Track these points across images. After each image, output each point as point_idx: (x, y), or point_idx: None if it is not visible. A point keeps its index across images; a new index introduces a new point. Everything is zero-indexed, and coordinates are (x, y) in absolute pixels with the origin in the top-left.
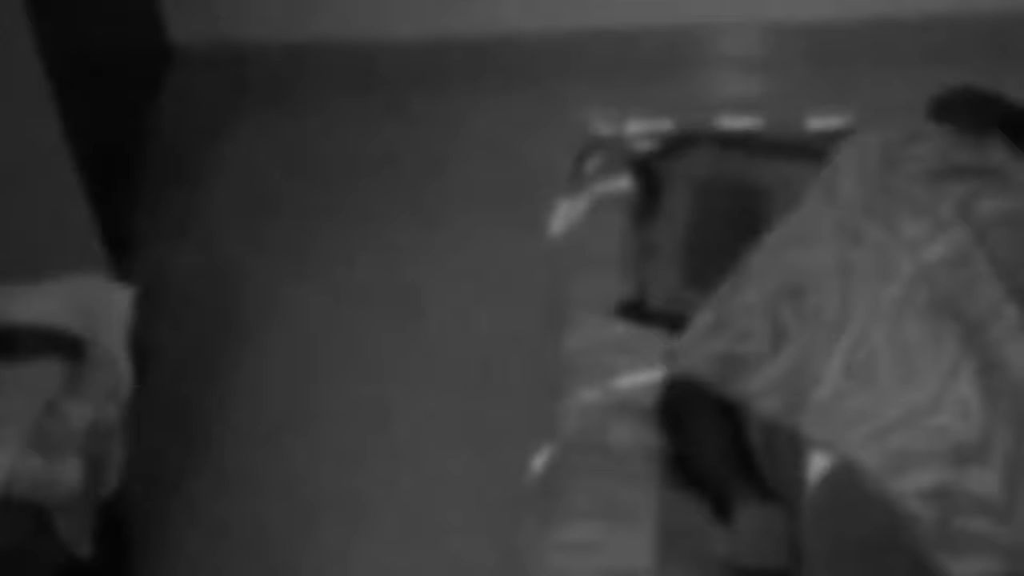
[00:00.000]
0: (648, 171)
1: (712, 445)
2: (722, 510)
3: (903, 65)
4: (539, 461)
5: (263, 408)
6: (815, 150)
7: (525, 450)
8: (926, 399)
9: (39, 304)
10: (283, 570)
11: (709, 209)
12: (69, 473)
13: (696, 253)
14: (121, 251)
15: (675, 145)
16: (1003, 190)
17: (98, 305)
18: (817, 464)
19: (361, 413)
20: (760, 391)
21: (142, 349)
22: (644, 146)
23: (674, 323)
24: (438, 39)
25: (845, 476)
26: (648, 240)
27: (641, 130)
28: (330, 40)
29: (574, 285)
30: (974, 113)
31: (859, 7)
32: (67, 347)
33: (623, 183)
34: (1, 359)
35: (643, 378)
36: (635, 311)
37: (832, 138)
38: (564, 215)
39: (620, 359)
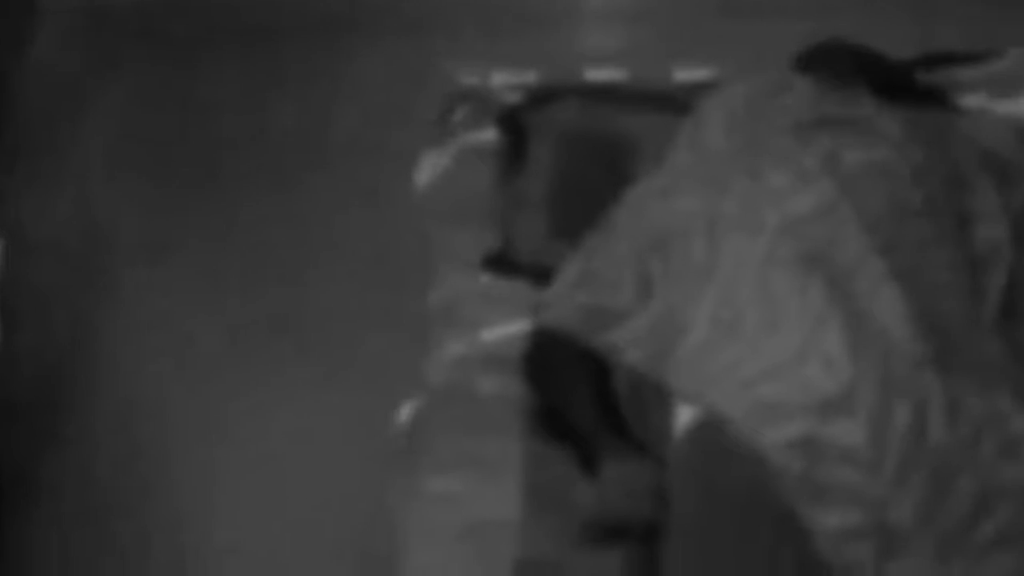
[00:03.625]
0: (514, 123)
1: (578, 397)
2: (588, 463)
3: (770, 16)
4: (405, 413)
5: (133, 366)
6: (681, 102)
7: (392, 403)
8: (792, 350)
9: None
10: (152, 520)
11: (575, 161)
12: None
13: (563, 205)
14: None
15: (541, 97)
16: (869, 142)
17: None
18: (683, 416)
19: (231, 368)
20: (626, 343)
21: (9, 304)
22: (510, 98)
23: (540, 275)
24: None
25: (711, 428)
26: (514, 192)
27: (507, 82)
28: None
29: (440, 237)
30: (841, 64)
31: None
32: None
33: (489, 135)
34: None
35: (509, 330)
36: (501, 263)
37: (698, 89)
38: (429, 167)
39: (486, 311)
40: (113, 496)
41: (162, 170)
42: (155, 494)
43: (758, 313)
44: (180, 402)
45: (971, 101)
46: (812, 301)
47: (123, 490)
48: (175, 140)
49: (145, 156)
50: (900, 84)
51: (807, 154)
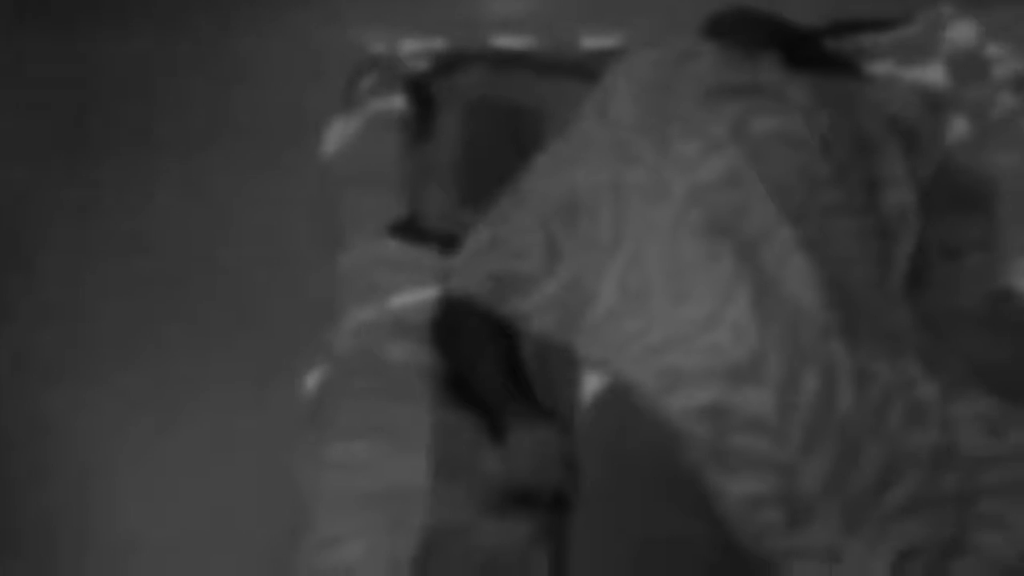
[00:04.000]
0: (422, 90)
1: (486, 365)
2: (496, 430)
3: None
4: (312, 380)
5: (38, 338)
6: (589, 69)
7: (300, 370)
8: (700, 318)
9: None
10: (56, 505)
11: (483, 128)
12: None
13: (470, 173)
14: None
15: (449, 64)
16: (776, 109)
17: None
18: (591, 383)
19: (137, 334)
20: (534, 310)
21: None
22: (418, 65)
23: (448, 242)
24: None
25: (619, 395)
26: (422, 159)
27: (416, 49)
28: None
29: (348, 204)
30: (748, 32)
31: None
32: None
33: (397, 102)
34: None
35: (417, 297)
36: (409, 230)
37: (606, 57)
38: (338, 134)
39: (394, 278)
40: (15, 479)
41: (68, 142)
42: (59, 478)
43: (666, 281)
44: (82, 379)
45: (879, 68)
46: (721, 269)
47: (27, 469)
48: (82, 113)
49: (51, 129)
50: (808, 52)
51: (715, 122)
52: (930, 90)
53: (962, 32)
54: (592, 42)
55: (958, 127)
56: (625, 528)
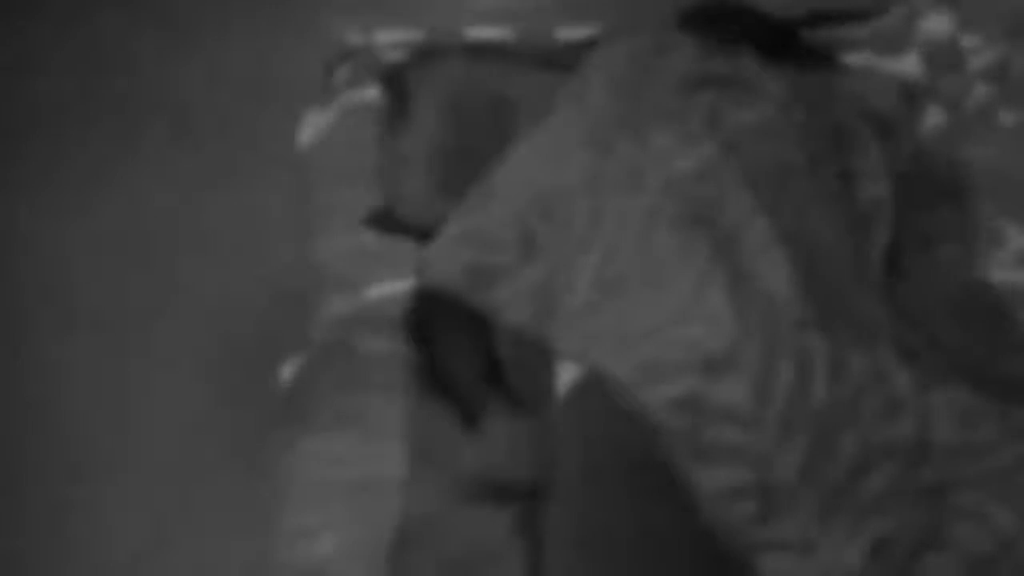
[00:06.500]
0: (397, 81)
1: (462, 357)
2: (472, 422)
3: None
4: (288, 372)
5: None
6: (565, 61)
7: (275, 362)
8: (676, 309)
9: None
10: (30, 513)
11: (460, 120)
12: None
13: (447, 164)
14: None
15: (425, 55)
16: (752, 101)
17: None
18: (566, 375)
19: (108, 324)
20: (509, 301)
21: None
22: (394, 56)
23: (424, 233)
24: None
25: (594, 387)
26: (399, 151)
27: (391, 40)
28: None
29: (324, 195)
30: (724, 24)
31: None
32: None
33: (372, 93)
34: None
35: (393, 288)
36: (385, 221)
37: (582, 49)
38: (313, 125)
39: (369, 269)
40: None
41: (27, 129)
42: (31, 482)
43: (641, 273)
44: (61, 368)
45: (856, 59)
46: (696, 261)
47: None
48: (47, 99)
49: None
50: (785, 43)
51: (691, 114)
52: (906, 81)
53: (937, 22)
54: (568, 33)
55: (934, 118)
56: (601, 520)
